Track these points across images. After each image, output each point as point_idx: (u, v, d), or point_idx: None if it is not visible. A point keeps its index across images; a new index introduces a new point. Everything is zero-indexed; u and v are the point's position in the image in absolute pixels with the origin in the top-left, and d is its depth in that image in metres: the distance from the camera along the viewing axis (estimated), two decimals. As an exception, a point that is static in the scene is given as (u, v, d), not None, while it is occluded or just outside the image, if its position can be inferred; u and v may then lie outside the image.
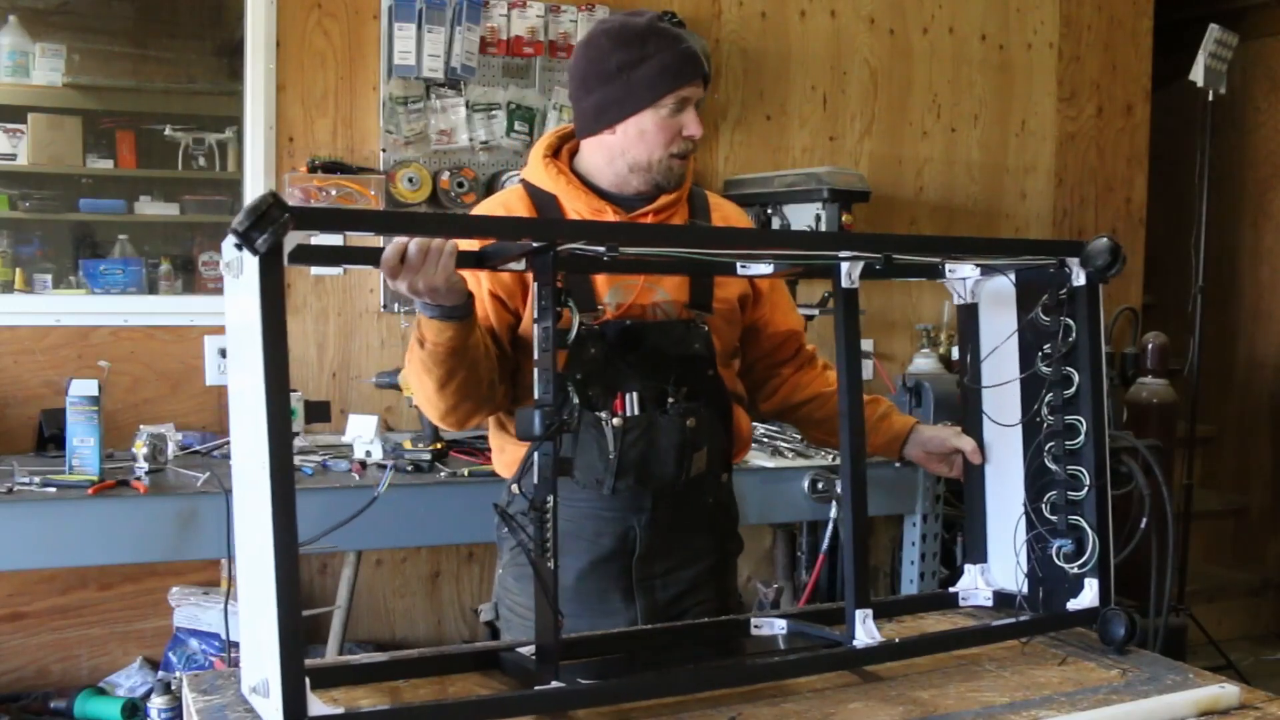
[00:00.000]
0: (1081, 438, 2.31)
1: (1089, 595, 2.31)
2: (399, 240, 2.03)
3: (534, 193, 2.61)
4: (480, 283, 2.48)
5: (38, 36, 4.50)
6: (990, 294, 2.48)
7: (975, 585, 2.52)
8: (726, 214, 2.80)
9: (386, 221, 2.21)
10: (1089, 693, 2.10)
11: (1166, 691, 2.08)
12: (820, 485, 4.10)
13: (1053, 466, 2.35)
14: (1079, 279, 2.31)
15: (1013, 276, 2.40)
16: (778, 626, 2.37)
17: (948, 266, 2.47)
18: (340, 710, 1.72)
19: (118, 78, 4.79)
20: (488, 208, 2.77)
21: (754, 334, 2.82)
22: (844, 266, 2.17)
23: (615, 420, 2.43)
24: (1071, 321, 2.31)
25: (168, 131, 4.68)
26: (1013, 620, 2.36)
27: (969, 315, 2.51)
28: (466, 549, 4.64)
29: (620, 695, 1.96)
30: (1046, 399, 2.35)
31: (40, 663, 4.19)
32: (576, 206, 2.59)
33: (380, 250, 2.03)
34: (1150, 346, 5.24)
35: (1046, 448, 2.36)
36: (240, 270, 1.75)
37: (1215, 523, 6.61)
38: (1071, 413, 2.32)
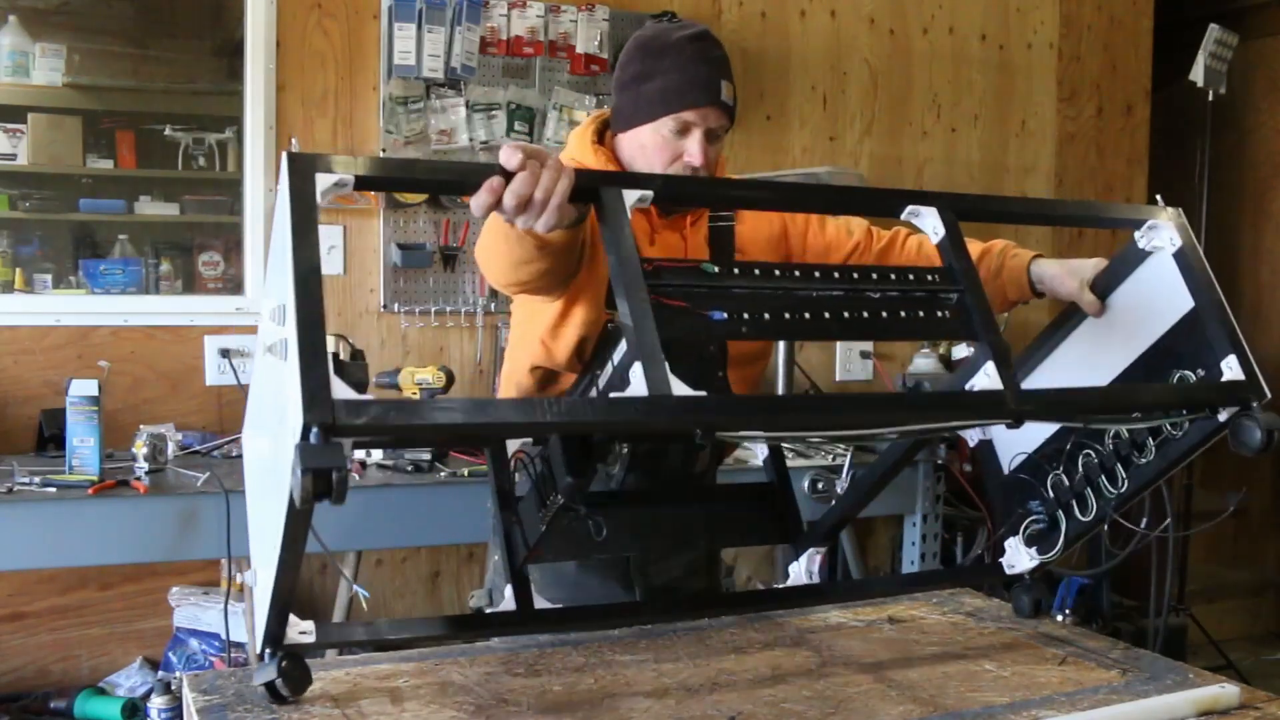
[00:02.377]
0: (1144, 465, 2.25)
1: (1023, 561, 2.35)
2: (491, 184, 1.78)
3: None
4: None
5: (38, 36, 4.51)
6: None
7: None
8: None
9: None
10: (1089, 693, 2.10)
11: (1166, 691, 2.08)
12: (820, 485, 4.12)
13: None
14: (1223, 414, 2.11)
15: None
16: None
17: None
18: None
19: (118, 78, 4.80)
20: None
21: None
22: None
23: None
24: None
25: (168, 131, 4.68)
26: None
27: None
28: (466, 549, 4.67)
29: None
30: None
31: (40, 663, 4.21)
32: None
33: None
34: (1151, 346, 5.25)
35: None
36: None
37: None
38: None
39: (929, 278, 2.00)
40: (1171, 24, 6.16)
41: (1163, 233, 2.16)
